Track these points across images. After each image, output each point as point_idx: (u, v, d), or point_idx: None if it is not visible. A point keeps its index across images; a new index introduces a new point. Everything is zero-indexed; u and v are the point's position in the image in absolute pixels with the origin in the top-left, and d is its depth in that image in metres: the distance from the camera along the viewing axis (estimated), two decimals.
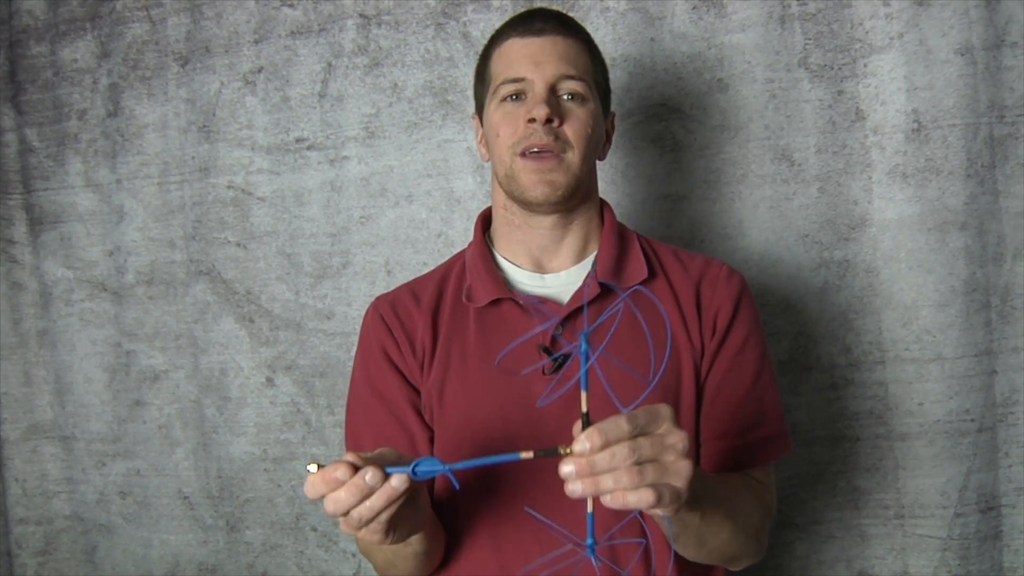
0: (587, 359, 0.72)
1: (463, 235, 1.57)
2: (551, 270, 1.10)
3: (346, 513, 0.78)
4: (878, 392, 1.44)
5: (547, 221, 1.08)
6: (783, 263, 1.46)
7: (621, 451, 0.71)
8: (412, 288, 1.14)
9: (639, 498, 0.71)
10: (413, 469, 0.77)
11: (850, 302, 1.44)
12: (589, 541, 0.75)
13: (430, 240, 1.59)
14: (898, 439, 1.43)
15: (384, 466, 0.77)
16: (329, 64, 1.61)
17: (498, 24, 1.48)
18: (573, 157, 1.03)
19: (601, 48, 1.49)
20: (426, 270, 1.54)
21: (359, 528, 0.79)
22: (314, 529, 1.65)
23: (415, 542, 0.95)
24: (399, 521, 0.82)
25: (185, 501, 1.71)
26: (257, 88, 1.64)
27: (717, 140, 1.48)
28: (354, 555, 1.64)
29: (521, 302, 1.04)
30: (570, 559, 0.84)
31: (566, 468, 0.71)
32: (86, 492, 1.77)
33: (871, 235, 1.42)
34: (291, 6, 1.62)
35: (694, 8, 1.47)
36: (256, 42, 1.63)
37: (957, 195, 1.39)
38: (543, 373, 1.02)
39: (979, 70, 1.38)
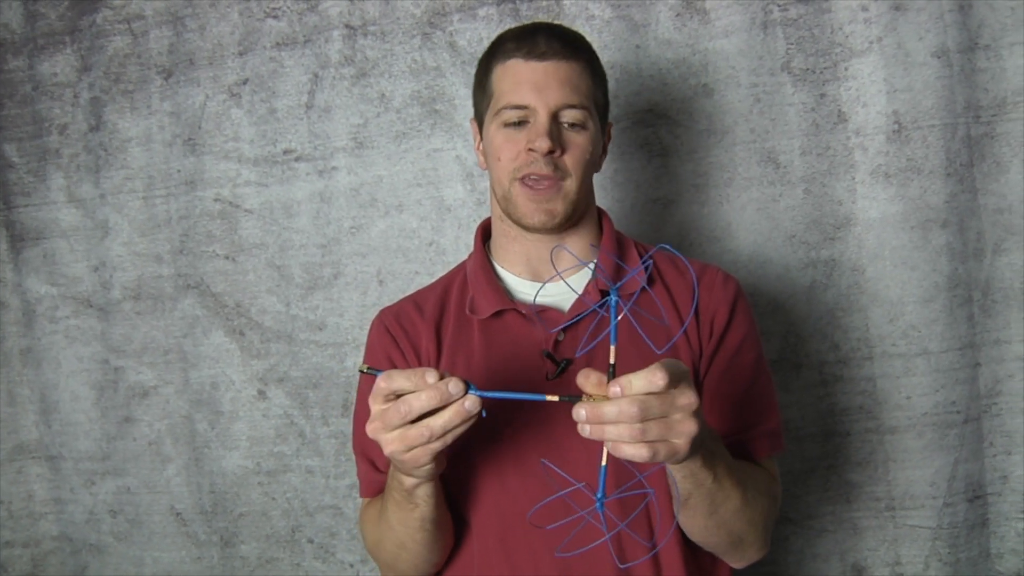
0: (616, 314, 0.78)
1: (454, 243, 1.58)
2: (551, 279, 1.11)
3: (413, 421, 0.79)
4: (867, 387, 1.47)
5: (545, 238, 1.10)
6: (771, 264, 1.49)
7: (629, 408, 0.74)
8: (415, 300, 1.16)
9: (635, 451, 0.76)
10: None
11: (837, 300, 1.48)
12: (600, 494, 0.79)
13: (421, 249, 1.59)
14: (887, 433, 1.46)
15: (464, 380, 0.79)
16: (315, 75, 1.61)
17: (484, 34, 1.52)
18: (571, 184, 1.05)
19: None
20: (418, 279, 1.57)
21: (418, 444, 0.80)
22: (310, 541, 1.64)
23: (423, 502, 0.95)
24: (440, 455, 0.85)
25: (178, 518, 1.69)
26: (243, 100, 1.63)
27: (704, 144, 1.50)
28: (351, 565, 1.64)
29: (524, 312, 1.06)
30: (578, 515, 0.88)
31: (580, 412, 0.76)
32: (75, 512, 1.75)
33: (856, 234, 1.46)
34: (276, 17, 1.61)
35: (678, 15, 1.49)
36: (241, 54, 1.63)
37: (938, 193, 1.43)
38: (546, 379, 1.03)
39: (955, 72, 1.42)
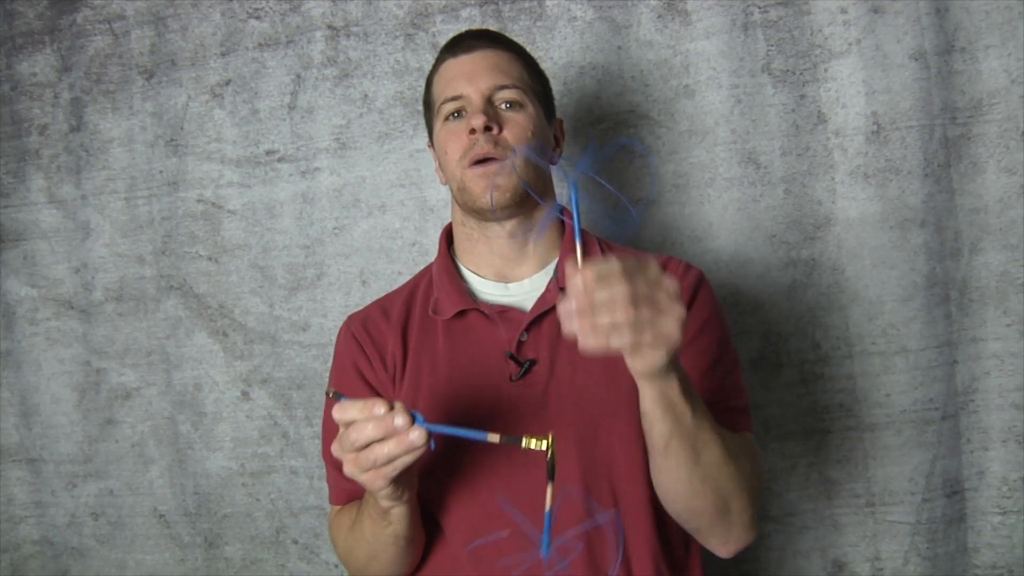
0: (577, 205, 0.79)
1: (436, 244, 1.57)
2: (515, 279, 1.12)
3: (363, 448, 0.82)
4: (847, 385, 1.49)
5: (505, 230, 1.10)
6: (752, 263, 1.51)
7: (619, 288, 0.74)
8: (382, 304, 1.18)
9: (629, 338, 0.75)
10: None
11: (817, 299, 1.49)
12: (544, 546, 0.81)
13: (404, 249, 1.59)
14: (867, 430, 1.48)
15: (413, 414, 0.82)
16: (298, 76, 1.60)
17: None
18: (516, 160, 1.06)
19: (568, 57, 1.53)
20: (401, 279, 1.57)
21: (368, 469, 0.83)
22: (295, 542, 1.64)
23: (397, 522, 0.96)
24: (401, 477, 0.86)
25: (161, 519, 1.69)
26: (225, 101, 1.63)
27: (685, 145, 1.51)
28: (336, 566, 1.64)
29: (486, 312, 1.07)
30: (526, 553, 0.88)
31: (565, 305, 0.75)
32: (56, 515, 1.74)
33: (836, 234, 1.48)
34: (258, 18, 1.61)
35: (659, 17, 1.51)
36: (223, 55, 1.62)
37: (916, 193, 1.45)
38: (510, 380, 1.04)
39: (932, 74, 1.44)
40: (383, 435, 0.81)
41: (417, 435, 0.81)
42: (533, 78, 1.13)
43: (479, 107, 1.06)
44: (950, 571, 1.49)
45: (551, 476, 0.81)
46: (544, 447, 0.81)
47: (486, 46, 1.10)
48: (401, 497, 0.91)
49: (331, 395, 0.84)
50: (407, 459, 0.83)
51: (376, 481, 0.85)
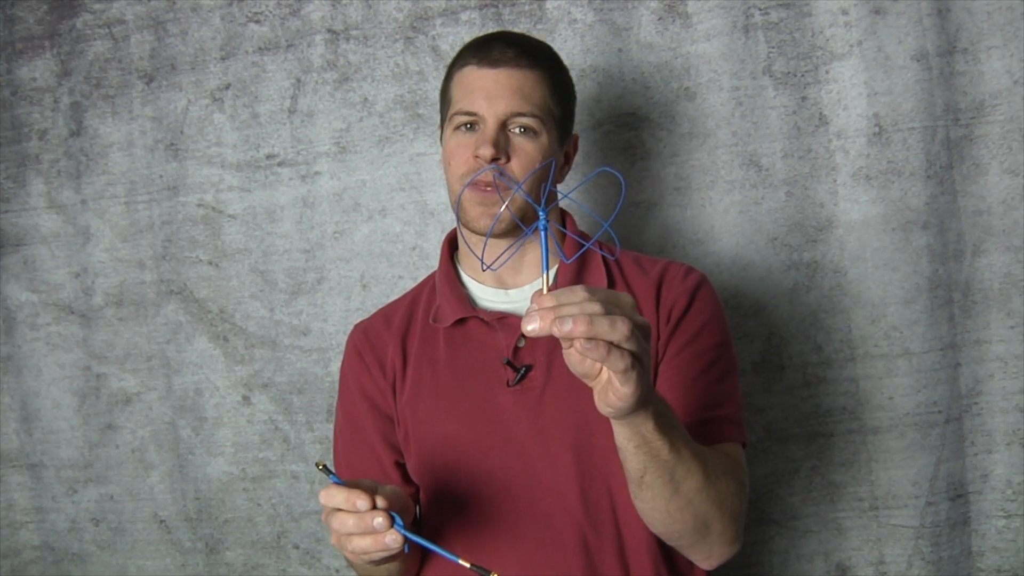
0: (545, 238, 0.77)
1: (437, 248, 1.54)
2: (514, 285, 1.12)
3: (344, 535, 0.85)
4: (849, 388, 1.48)
5: (502, 244, 1.08)
6: (754, 266, 1.50)
7: (590, 306, 0.69)
8: (385, 313, 1.19)
9: (588, 347, 0.69)
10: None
11: (820, 302, 1.49)
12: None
13: (405, 253, 1.59)
14: (870, 433, 1.47)
15: (392, 515, 0.84)
16: (298, 80, 1.60)
17: (467, 38, 1.51)
18: (515, 196, 1.04)
19: (569, 60, 1.52)
20: (401, 283, 1.57)
21: (347, 551, 0.86)
22: (296, 547, 1.64)
23: (393, 568, 1.02)
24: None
25: (162, 525, 1.68)
26: (225, 105, 1.62)
27: (686, 147, 1.51)
28: (337, 571, 1.63)
29: (485, 319, 1.07)
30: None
31: (529, 316, 0.69)
32: (56, 521, 1.73)
33: (838, 236, 1.47)
34: (258, 22, 1.61)
35: (660, 19, 1.50)
36: (223, 59, 1.62)
37: (918, 195, 1.44)
38: (507, 385, 1.04)
39: (934, 75, 1.44)
40: (362, 531, 0.83)
41: (391, 539, 0.82)
42: (555, 99, 1.09)
43: (491, 136, 1.03)
44: (954, 575, 1.48)
45: None
46: None
47: (513, 63, 1.05)
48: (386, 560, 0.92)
49: (320, 468, 0.86)
50: (382, 555, 0.85)
51: (358, 559, 0.88)
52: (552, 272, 1.12)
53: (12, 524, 1.76)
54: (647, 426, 0.80)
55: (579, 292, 0.70)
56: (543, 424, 1.03)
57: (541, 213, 0.76)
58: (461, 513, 1.04)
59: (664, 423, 0.82)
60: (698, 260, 1.50)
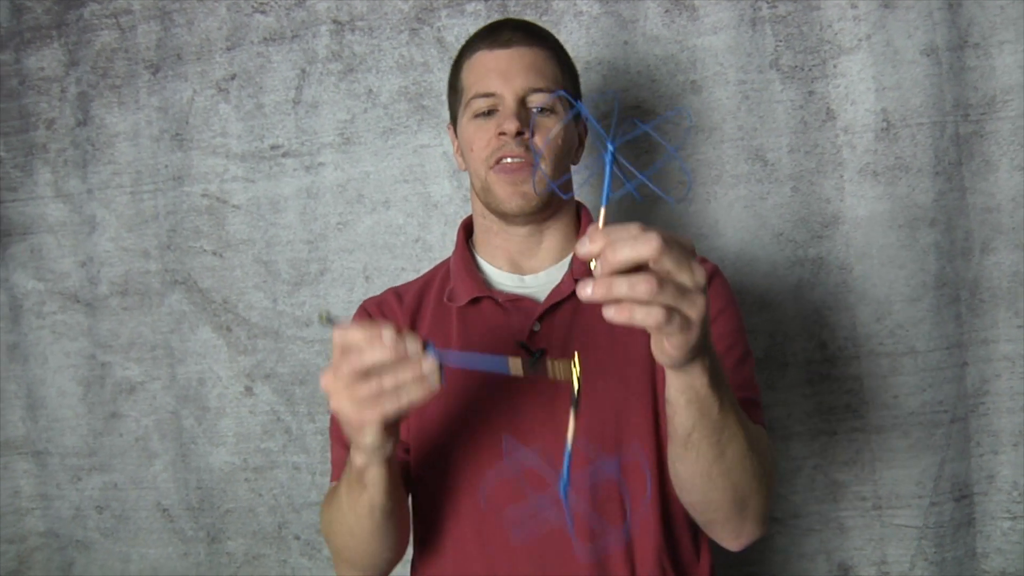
0: (611, 167, 0.70)
1: (440, 240, 1.57)
2: (530, 271, 1.13)
3: (363, 376, 0.75)
4: (854, 386, 1.46)
5: (523, 229, 1.11)
6: (758, 262, 1.49)
7: (648, 245, 0.65)
8: (397, 291, 1.18)
9: (647, 314, 0.65)
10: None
11: (824, 299, 1.47)
12: (564, 477, 0.73)
13: (408, 245, 1.59)
14: (874, 432, 1.46)
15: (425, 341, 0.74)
16: (303, 70, 1.60)
17: (472, 29, 1.50)
18: (545, 168, 1.05)
19: (575, 52, 1.51)
20: (404, 275, 1.56)
21: (365, 399, 0.76)
22: (297, 537, 1.64)
23: (372, 486, 0.89)
24: (390, 429, 0.81)
25: (164, 514, 1.69)
26: (230, 95, 1.62)
27: (691, 141, 1.50)
28: None
29: (500, 300, 1.07)
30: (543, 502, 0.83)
31: (588, 247, 0.66)
32: (61, 508, 1.74)
33: (844, 232, 1.45)
34: (263, 13, 1.61)
35: (666, 11, 1.49)
36: (228, 49, 1.62)
37: (926, 192, 1.42)
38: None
39: (944, 70, 1.42)
40: (392, 358, 0.74)
41: (428, 364, 0.74)
42: (566, 77, 1.11)
43: (512, 110, 1.04)
44: None
45: (575, 406, 0.73)
46: (572, 375, 0.73)
47: (523, 42, 1.07)
48: (383, 447, 0.83)
49: (324, 319, 0.75)
50: (414, 393, 0.75)
51: (371, 417, 0.77)
52: (601, 218, 1.10)
53: (18, 511, 1.77)
54: (701, 380, 0.78)
55: (633, 230, 0.66)
56: (556, 410, 1.02)
57: (610, 145, 0.70)
58: (468, 496, 1.03)
59: (716, 381, 0.80)
60: (702, 255, 1.49)
